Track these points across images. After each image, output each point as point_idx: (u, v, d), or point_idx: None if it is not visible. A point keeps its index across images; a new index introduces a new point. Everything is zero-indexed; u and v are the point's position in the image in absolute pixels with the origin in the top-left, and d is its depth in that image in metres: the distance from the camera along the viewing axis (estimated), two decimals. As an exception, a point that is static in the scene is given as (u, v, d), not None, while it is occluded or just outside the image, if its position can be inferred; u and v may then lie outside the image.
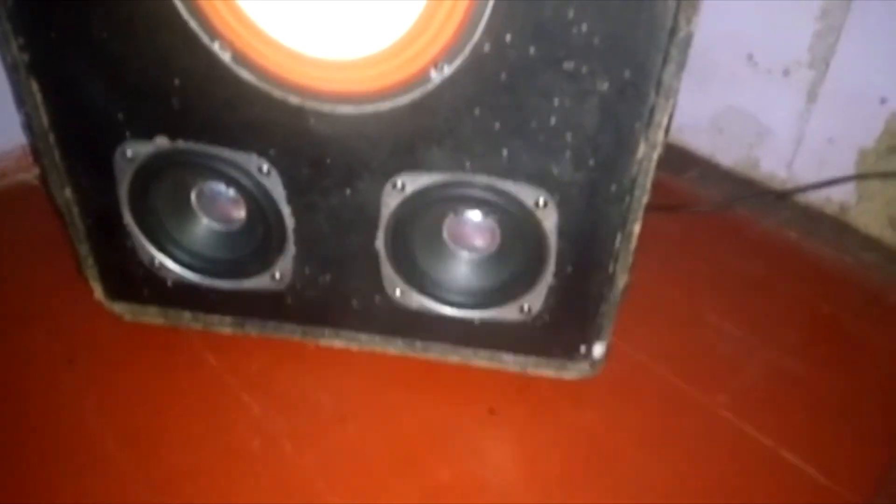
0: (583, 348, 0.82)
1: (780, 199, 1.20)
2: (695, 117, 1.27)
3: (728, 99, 1.22)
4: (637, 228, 0.72)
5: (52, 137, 0.74)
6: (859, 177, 1.10)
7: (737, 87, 1.20)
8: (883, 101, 1.04)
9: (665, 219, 1.17)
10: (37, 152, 0.78)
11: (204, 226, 0.82)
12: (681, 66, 0.60)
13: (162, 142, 0.73)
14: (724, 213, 1.22)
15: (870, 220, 1.12)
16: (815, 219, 1.16)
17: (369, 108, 0.67)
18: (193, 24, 0.64)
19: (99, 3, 0.65)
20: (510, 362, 0.86)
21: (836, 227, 1.15)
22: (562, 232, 0.73)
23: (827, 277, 1.09)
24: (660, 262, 1.08)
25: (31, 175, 1.18)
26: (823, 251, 1.13)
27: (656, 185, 0.71)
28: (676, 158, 1.32)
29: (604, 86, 0.63)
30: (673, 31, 0.59)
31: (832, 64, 1.07)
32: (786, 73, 1.13)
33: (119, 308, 0.90)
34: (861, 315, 1.03)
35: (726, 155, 1.27)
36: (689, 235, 1.16)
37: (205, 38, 0.65)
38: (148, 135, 0.73)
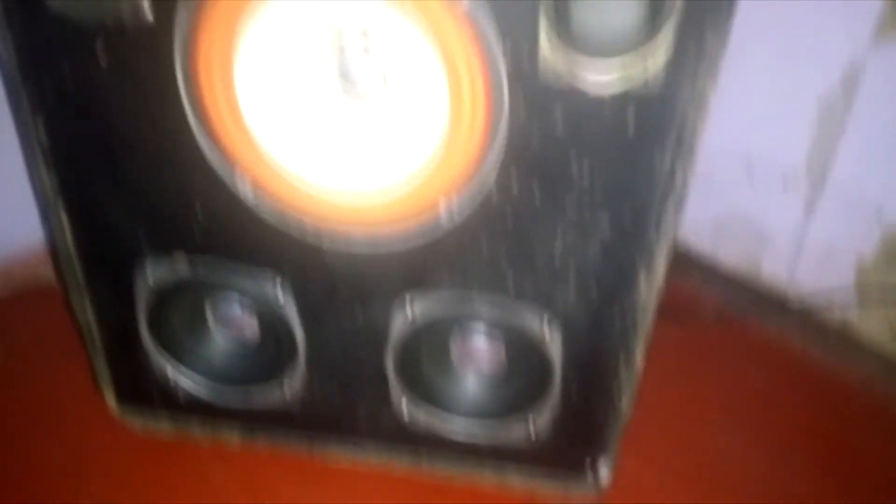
0: (588, 467, 0.83)
1: (782, 305, 1.22)
2: (696, 220, 1.30)
3: (728, 205, 1.26)
4: (641, 356, 0.74)
5: (76, 257, 0.78)
6: (858, 290, 1.12)
7: (736, 195, 1.23)
8: (879, 212, 1.07)
9: (667, 325, 1.18)
10: (60, 269, 0.81)
11: (217, 341, 0.85)
12: (678, 210, 0.63)
13: (181, 264, 0.76)
14: (726, 317, 1.24)
15: (872, 330, 1.14)
16: (818, 326, 1.18)
17: (382, 240, 0.70)
18: (216, 159, 0.68)
19: (126, 138, 0.69)
20: (516, 479, 0.86)
21: (838, 335, 1.16)
22: (566, 357, 0.75)
23: (831, 387, 1.10)
24: (663, 370, 1.09)
25: (48, 272, 1.22)
26: (827, 360, 1.14)
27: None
28: (678, 259, 1.34)
29: (605, 226, 0.66)
30: (670, 180, 0.62)
31: (829, 175, 1.11)
32: (784, 182, 1.16)
33: (130, 417, 0.91)
34: (866, 427, 1.03)
35: (728, 257, 1.30)
36: (691, 342, 1.17)
37: (226, 172, 0.68)
38: (168, 257, 0.76)
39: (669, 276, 0.73)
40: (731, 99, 1.17)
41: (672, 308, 1.26)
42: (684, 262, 1.33)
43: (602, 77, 0.57)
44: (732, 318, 1.24)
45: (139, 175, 0.70)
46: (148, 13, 0.60)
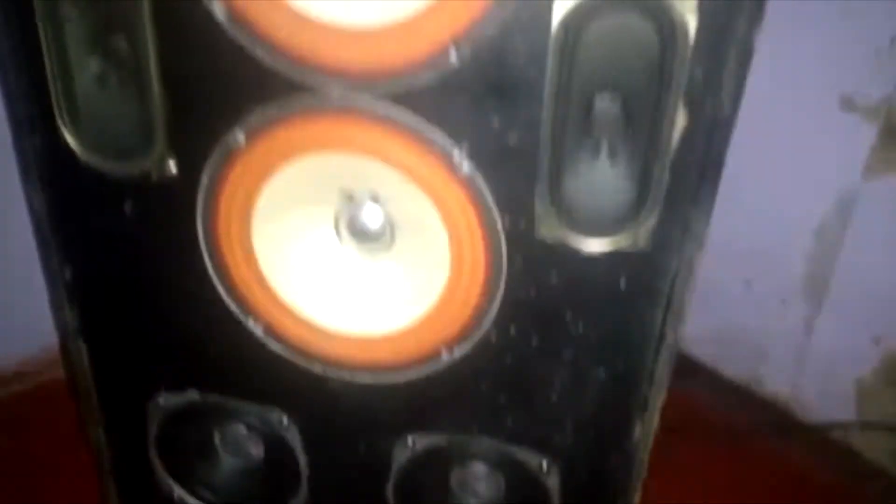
0: None
1: (784, 419, 1.23)
2: (698, 330, 1.32)
3: (729, 318, 1.28)
4: (638, 495, 0.75)
5: (91, 386, 0.81)
6: (859, 409, 1.13)
7: (737, 309, 1.26)
8: (877, 340, 1.09)
9: (669, 436, 1.19)
10: (76, 392, 0.84)
11: (223, 465, 0.87)
12: (669, 365, 0.66)
13: (192, 395, 0.79)
14: (728, 431, 1.24)
15: (875, 450, 1.14)
16: (821, 444, 1.18)
17: (385, 379, 0.73)
18: (229, 302, 0.71)
19: (146, 280, 0.73)
20: None
21: (841, 453, 1.17)
22: (565, 493, 0.76)
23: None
24: (664, 485, 1.09)
25: (60, 374, 1.24)
26: (830, 478, 1.14)
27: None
28: (681, 366, 1.36)
29: (600, 374, 0.68)
30: (661, 335, 0.65)
31: (825, 298, 1.13)
32: (782, 302, 1.19)
33: (135, 535, 0.92)
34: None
35: (730, 368, 1.31)
36: (692, 455, 1.17)
37: (239, 314, 0.72)
38: (180, 388, 0.79)
39: (671, 385, 0.75)
40: (731, 218, 1.20)
41: (674, 419, 1.27)
42: (687, 372, 1.34)
43: (594, 245, 0.60)
44: (734, 431, 1.24)
45: (157, 314, 0.74)
46: (173, 170, 0.65)
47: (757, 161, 1.12)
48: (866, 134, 1.01)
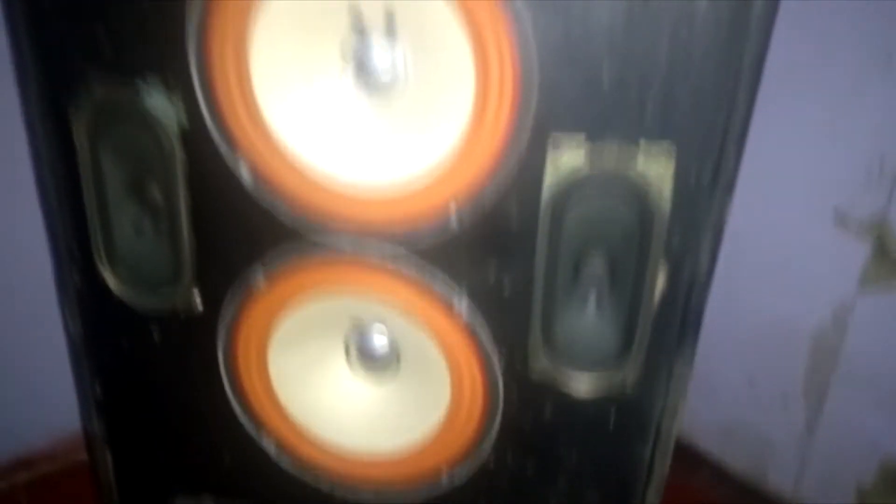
0: None
1: (788, 516, 1.24)
2: (703, 421, 1.34)
3: (733, 413, 1.30)
4: None
5: (114, 489, 0.85)
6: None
7: (740, 405, 1.28)
8: (875, 442, 1.11)
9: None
10: (99, 491, 0.89)
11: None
12: (660, 495, 0.69)
13: (207, 500, 0.83)
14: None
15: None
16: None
17: (388, 498, 0.77)
18: (245, 421, 0.76)
19: (169, 398, 0.78)
20: None
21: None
22: None
23: None
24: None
25: (86, 457, 1.29)
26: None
27: (668, 486, 0.76)
28: (687, 456, 1.38)
29: (594, 498, 0.72)
30: (650, 468, 0.68)
31: (825, 404, 1.16)
32: (784, 401, 1.21)
33: None
34: None
35: (735, 461, 1.32)
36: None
37: (253, 432, 0.77)
38: (196, 493, 0.83)
39: (678, 469, 0.78)
40: (733, 319, 1.24)
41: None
42: (693, 458, 1.36)
43: (584, 385, 0.65)
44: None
45: (178, 428, 0.79)
46: (198, 305, 0.71)
47: (757, 267, 1.16)
48: (860, 248, 1.05)
